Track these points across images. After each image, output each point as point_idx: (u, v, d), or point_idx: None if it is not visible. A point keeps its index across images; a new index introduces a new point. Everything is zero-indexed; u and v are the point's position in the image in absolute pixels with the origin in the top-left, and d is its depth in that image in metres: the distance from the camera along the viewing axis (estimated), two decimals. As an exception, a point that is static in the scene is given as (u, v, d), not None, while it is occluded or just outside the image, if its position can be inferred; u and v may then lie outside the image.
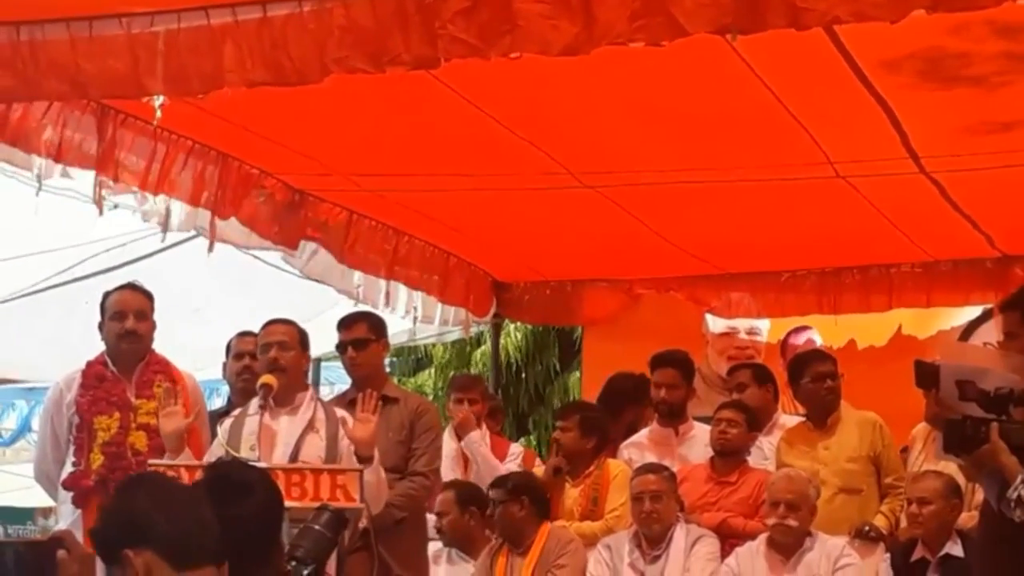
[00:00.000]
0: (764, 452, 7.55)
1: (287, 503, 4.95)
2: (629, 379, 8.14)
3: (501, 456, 8.00)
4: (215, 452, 5.81)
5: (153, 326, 6.27)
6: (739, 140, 6.20)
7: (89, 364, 6.24)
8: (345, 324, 6.81)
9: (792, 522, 6.55)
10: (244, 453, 5.58)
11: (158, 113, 4.84)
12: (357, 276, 8.19)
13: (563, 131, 6.22)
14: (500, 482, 7.20)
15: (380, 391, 6.61)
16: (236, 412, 6.09)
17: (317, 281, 8.10)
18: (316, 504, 5.19)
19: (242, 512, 3.34)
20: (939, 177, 6.53)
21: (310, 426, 5.88)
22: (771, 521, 6.62)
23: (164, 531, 2.91)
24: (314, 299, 8.77)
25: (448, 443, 7.87)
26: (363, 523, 5.64)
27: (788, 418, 7.82)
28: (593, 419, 7.57)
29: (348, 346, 6.70)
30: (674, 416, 7.66)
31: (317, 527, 4.03)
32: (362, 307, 7.97)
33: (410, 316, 8.93)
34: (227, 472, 3.59)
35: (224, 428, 5.92)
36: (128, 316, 6.16)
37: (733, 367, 8.32)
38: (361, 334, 6.73)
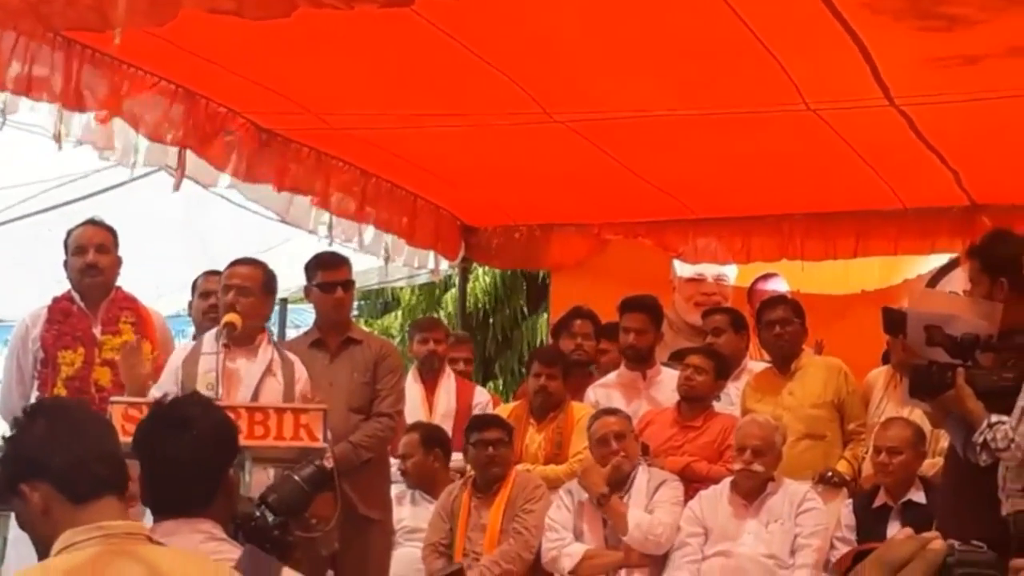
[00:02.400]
0: (731, 398, 7.57)
1: (250, 443, 4.99)
2: None
3: (467, 400, 8.00)
4: (164, 385, 5.79)
5: (117, 261, 6.24)
6: (712, 72, 6.18)
7: (56, 300, 6.24)
8: (330, 265, 6.76)
9: (758, 467, 6.57)
10: (201, 390, 5.57)
11: (117, 39, 4.75)
12: (328, 217, 8.14)
13: (535, 63, 6.16)
14: (496, 422, 7.19)
15: (344, 333, 6.65)
16: (187, 349, 6.08)
17: (291, 224, 8.05)
18: (279, 443, 5.21)
19: (180, 447, 3.30)
20: (908, 110, 6.51)
21: (268, 370, 5.95)
22: (737, 466, 6.64)
23: (59, 464, 2.86)
24: (266, 234, 8.74)
25: (412, 386, 7.87)
26: (327, 463, 5.64)
27: (756, 364, 7.84)
28: (572, 366, 7.61)
29: (339, 287, 6.67)
30: (642, 360, 7.68)
31: (297, 478, 3.97)
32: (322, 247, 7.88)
33: (379, 258, 8.92)
34: (169, 408, 3.55)
35: (174, 366, 5.91)
36: (89, 250, 6.14)
37: (709, 310, 8.31)
38: (347, 275, 6.75)
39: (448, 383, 8.06)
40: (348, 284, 6.73)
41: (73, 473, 2.86)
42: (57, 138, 5.97)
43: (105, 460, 2.92)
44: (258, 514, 3.75)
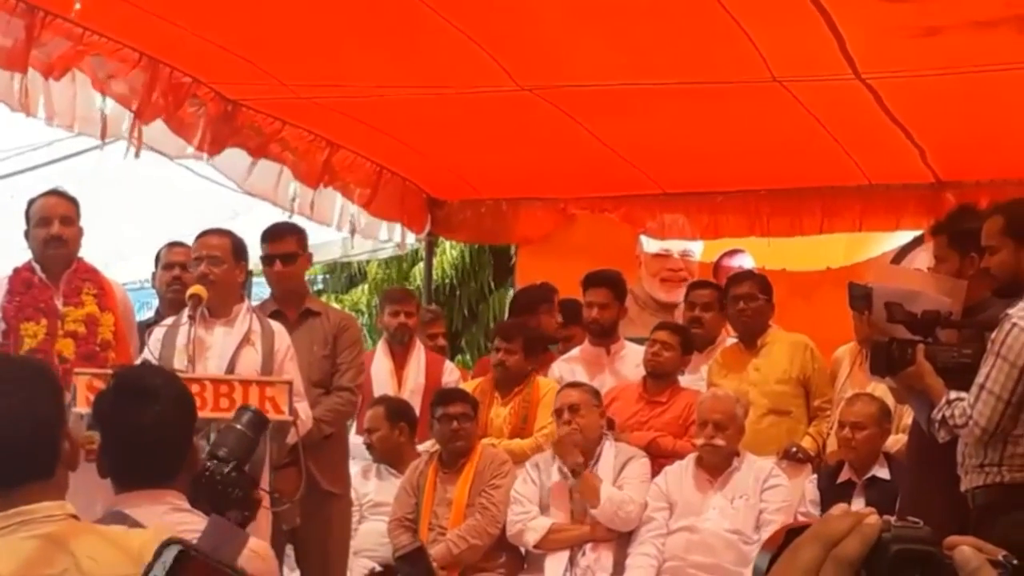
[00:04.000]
0: (701, 374, 7.58)
1: (216, 415, 4.97)
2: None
3: (437, 376, 7.97)
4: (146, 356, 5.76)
5: (80, 232, 6.19)
6: (679, 41, 6.18)
7: (16, 270, 6.16)
8: (273, 236, 6.68)
9: (720, 441, 6.58)
10: (177, 363, 5.54)
11: (77, 4, 4.70)
12: (293, 188, 8.09)
13: (503, 29, 6.16)
14: (461, 396, 7.18)
15: (302, 305, 6.61)
16: (169, 321, 6.04)
17: (254, 195, 8.00)
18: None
19: (147, 418, 3.26)
20: (874, 84, 6.53)
21: (246, 339, 5.88)
22: (699, 441, 6.64)
23: None
24: (224, 205, 8.70)
25: (381, 359, 7.85)
26: (291, 438, 5.63)
27: (731, 340, 7.85)
28: (535, 340, 7.60)
29: (276, 259, 6.60)
30: (605, 335, 7.67)
31: (239, 426, 3.99)
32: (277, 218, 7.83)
33: (344, 231, 8.88)
34: (131, 378, 3.50)
35: (156, 337, 5.86)
36: (53, 222, 6.08)
37: (696, 283, 8.29)
38: (290, 248, 6.63)
39: (418, 358, 7.99)
40: (288, 257, 6.60)
41: None
42: (24, 106, 5.92)
43: (30, 444, 2.68)
44: (210, 464, 3.74)
